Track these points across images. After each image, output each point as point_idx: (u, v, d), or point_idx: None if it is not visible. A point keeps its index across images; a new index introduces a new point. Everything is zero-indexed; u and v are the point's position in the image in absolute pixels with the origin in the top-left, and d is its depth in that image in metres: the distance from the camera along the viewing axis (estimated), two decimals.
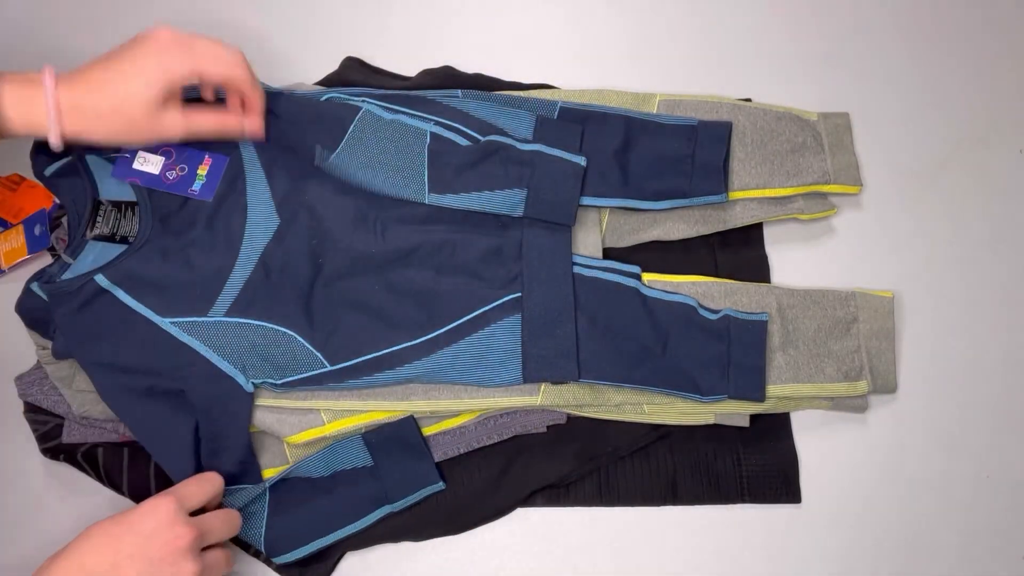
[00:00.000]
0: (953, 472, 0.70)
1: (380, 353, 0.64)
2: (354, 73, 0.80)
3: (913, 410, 0.71)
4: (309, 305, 0.66)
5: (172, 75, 0.59)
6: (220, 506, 0.62)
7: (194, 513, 0.58)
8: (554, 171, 0.68)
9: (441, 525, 0.68)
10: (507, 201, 0.68)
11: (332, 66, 0.80)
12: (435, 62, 0.81)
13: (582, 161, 0.69)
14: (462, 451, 0.68)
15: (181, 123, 0.61)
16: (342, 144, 0.68)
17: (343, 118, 0.69)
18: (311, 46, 0.82)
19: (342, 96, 0.72)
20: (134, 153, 0.69)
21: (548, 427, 0.68)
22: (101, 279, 0.64)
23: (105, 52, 0.60)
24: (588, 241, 0.71)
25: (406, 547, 0.68)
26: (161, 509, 0.54)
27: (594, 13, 0.84)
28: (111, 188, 0.68)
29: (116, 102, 0.58)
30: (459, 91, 0.74)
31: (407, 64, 0.81)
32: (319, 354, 0.64)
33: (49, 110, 0.56)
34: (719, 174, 0.70)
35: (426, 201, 0.68)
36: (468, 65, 0.80)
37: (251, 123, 0.65)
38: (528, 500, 0.68)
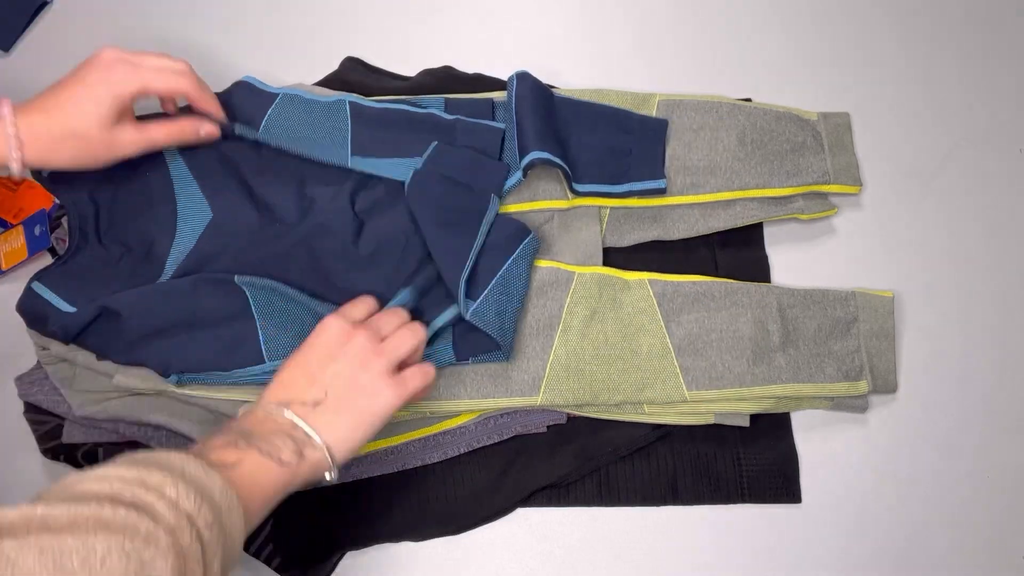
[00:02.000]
0: (953, 472, 0.70)
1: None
2: (354, 73, 0.80)
3: (913, 410, 0.71)
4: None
5: (120, 92, 0.60)
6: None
7: None
8: (477, 134, 0.70)
9: (441, 525, 0.68)
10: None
11: (332, 66, 0.80)
12: (435, 62, 0.81)
13: (501, 126, 0.70)
14: (462, 451, 0.68)
15: (137, 137, 0.63)
16: (269, 112, 0.69)
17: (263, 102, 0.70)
18: (311, 46, 0.82)
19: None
20: None
21: (548, 427, 0.68)
22: None
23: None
24: (588, 239, 0.71)
25: (406, 547, 0.68)
26: (329, 323, 0.58)
27: (594, 13, 0.84)
28: None
29: (70, 125, 0.59)
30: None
31: (407, 64, 0.81)
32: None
33: (9, 139, 0.58)
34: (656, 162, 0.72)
35: (348, 164, 0.69)
36: (468, 65, 0.80)
37: (206, 127, 0.67)
38: (528, 500, 0.68)
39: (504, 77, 0.80)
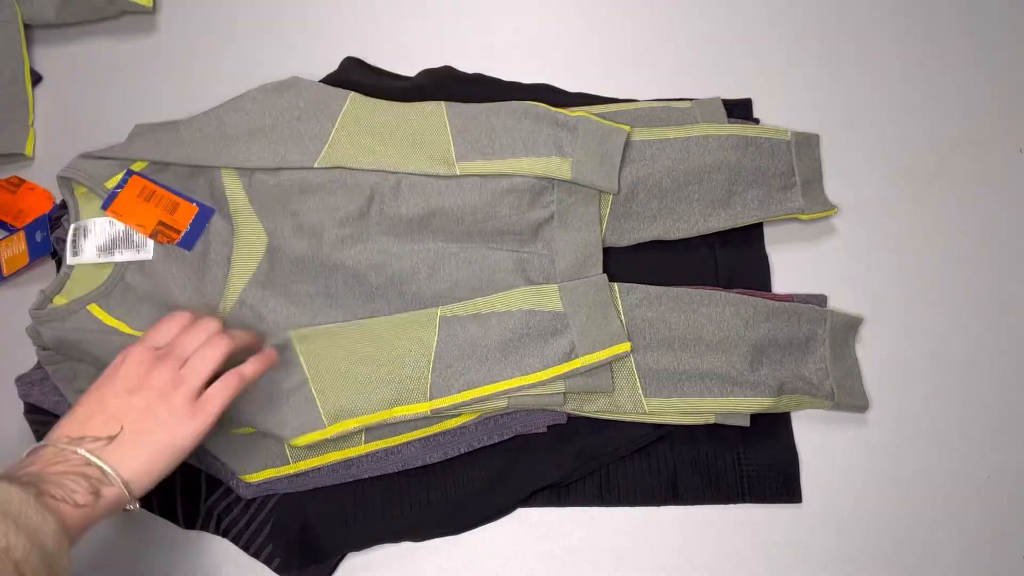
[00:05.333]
0: (953, 472, 0.70)
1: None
2: (354, 73, 0.80)
3: (913, 410, 0.71)
4: None
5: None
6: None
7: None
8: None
9: (441, 525, 0.68)
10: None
11: (332, 66, 0.80)
12: (435, 62, 0.81)
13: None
14: (462, 451, 0.68)
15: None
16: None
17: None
18: (311, 46, 0.82)
19: None
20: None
21: (548, 427, 0.68)
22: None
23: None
24: (588, 239, 0.71)
25: (406, 547, 0.68)
26: (129, 353, 0.56)
27: (594, 13, 0.84)
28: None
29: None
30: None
31: (407, 64, 0.81)
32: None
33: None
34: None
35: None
36: (468, 65, 0.81)
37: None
38: (528, 500, 0.68)
39: (504, 77, 0.80)
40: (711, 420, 0.68)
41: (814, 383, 0.69)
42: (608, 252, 0.72)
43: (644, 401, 0.67)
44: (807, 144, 0.76)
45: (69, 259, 0.69)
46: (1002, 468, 0.70)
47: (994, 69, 0.82)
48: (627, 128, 0.70)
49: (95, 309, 0.67)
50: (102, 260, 0.68)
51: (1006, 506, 0.69)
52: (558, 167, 0.68)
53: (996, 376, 0.72)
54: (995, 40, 0.83)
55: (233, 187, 0.69)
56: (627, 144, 0.70)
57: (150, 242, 0.69)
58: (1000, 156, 0.79)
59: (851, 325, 0.72)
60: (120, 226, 0.69)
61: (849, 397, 0.69)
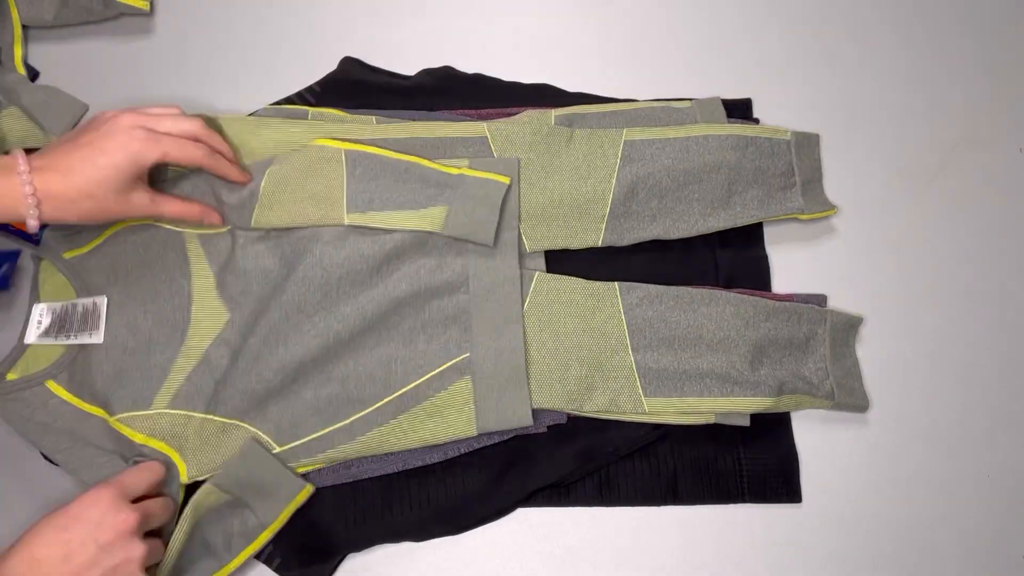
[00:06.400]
0: (953, 472, 0.70)
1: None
2: (353, 73, 0.80)
3: (913, 410, 0.71)
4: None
5: (139, 161, 0.62)
6: (160, 495, 0.64)
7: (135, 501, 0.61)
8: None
9: (441, 525, 0.68)
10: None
11: (331, 66, 0.80)
12: (435, 62, 0.81)
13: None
14: (462, 451, 0.68)
15: (148, 203, 0.64)
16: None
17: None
18: (310, 46, 0.82)
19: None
20: None
21: (548, 427, 0.68)
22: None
23: (69, 134, 0.63)
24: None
25: (406, 547, 0.68)
26: (104, 497, 0.58)
27: (594, 13, 0.84)
28: None
29: (88, 189, 0.60)
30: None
31: (407, 64, 0.81)
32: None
33: (27, 198, 0.59)
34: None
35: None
36: (468, 65, 0.80)
37: (211, 217, 0.68)
38: (528, 500, 0.68)
39: (504, 77, 0.80)
40: (711, 420, 0.68)
41: (814, 383, 0.69)
42: (607, 252, 0.72)
43: (644, 401, 0.66)
44: (807, 144, 0.76)
45: (27, 338, 0.68)
46: (1002, 468, 0.70)
47: (994, 69, 0.82)
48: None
49: (52, 385, 0.67)
50: (58, 342, 0.68)
51: (1006, 506, 0.69)
52: (431, 221, 0.68)
53: (996, 376, 0.72)
54: (995, 40, 0.83)
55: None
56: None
57: (102, 323, 0.68)
58: (1000, 156, 0.79)
59: (851, 325, 0.72)
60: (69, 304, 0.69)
61: (849, 397, 0.70)
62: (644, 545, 0.68)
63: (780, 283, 0.75)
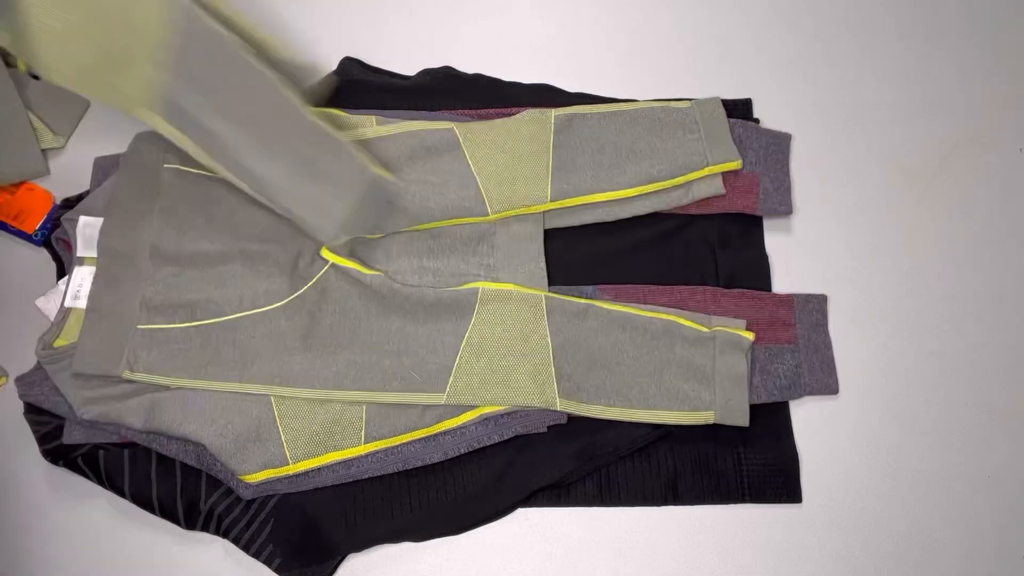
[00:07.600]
0: (953, 472, 0.70)
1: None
2: (353, 73, 0.80)
3: (913, 410, 0.71)
4: None
5: None
6: None
7: None
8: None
9: (442, 525, 0.68)
10: None
11: (331, 66, 0.80)
12: (435, 62, 0.81)
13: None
14: (462, 451, 0.68)
15: None
16: None
17: None
18: (309, 46, 0.82)
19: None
20: None
21: (548, 427, 0.68)
22: None
23: None
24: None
25: (406, 547, 0.68)
26: None
27: (594, 13, 0.84)
28: None
29: None
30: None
31: (407, 64, 0.81)
32: None
33: None
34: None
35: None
36: (468, 65, 0.81)
37: None
38: (528, 500, 0.68)
39: (504, 77, 0.80)
40: (711, 420, 0.68)
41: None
42: (602, 255, 0.73)
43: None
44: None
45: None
46: (1002, 468, 0.70)
47: (994, 69, 0.82)
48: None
49: None
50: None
51: (1007, 506, 0.69)
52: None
53: (996, 376, 0.72)
54: (995, 40, 0.83)
55: None
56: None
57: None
58: (1000, 156, 0.79)
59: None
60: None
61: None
62: (644, 545, 0.68)
63: (780, 283, 0.75)
